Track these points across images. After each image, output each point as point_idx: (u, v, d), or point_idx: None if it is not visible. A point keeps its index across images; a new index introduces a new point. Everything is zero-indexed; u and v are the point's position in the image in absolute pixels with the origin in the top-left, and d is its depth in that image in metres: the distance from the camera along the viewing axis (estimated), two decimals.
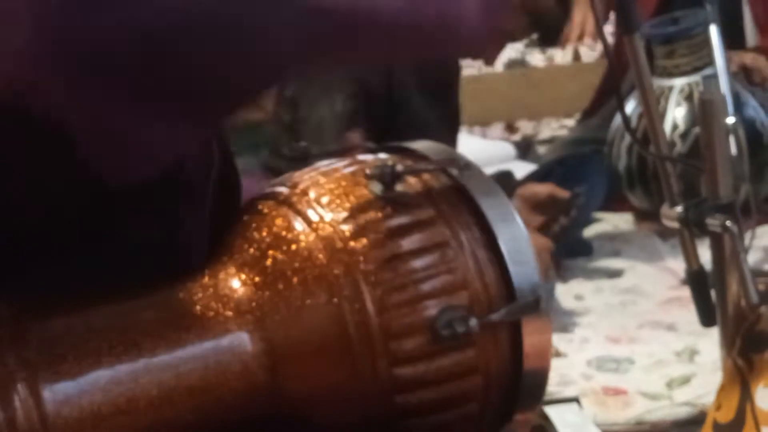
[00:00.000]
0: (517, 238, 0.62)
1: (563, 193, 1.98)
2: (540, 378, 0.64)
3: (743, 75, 2.21)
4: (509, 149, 2.92)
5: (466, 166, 0.65)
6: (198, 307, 0.61)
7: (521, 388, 0.63)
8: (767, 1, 2.35)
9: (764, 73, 2.21)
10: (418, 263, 0.60)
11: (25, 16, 0.51)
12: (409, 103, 1.77)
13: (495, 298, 0.61)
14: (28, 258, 0.60)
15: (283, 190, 0.66)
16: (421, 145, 0.69)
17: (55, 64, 0.52)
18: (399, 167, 0.63)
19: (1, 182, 0.58)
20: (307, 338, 0.60)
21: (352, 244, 0.61)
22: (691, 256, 1.29)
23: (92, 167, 0.55)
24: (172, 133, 0.56)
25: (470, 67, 3.09)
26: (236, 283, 0.62)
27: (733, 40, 2.20)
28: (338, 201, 0.63)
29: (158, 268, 0.62)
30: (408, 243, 0.61)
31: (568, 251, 2.09)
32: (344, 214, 0.62)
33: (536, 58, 3.34)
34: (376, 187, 0.63)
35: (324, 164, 0.68)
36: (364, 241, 0.61)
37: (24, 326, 0.57)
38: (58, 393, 0.55)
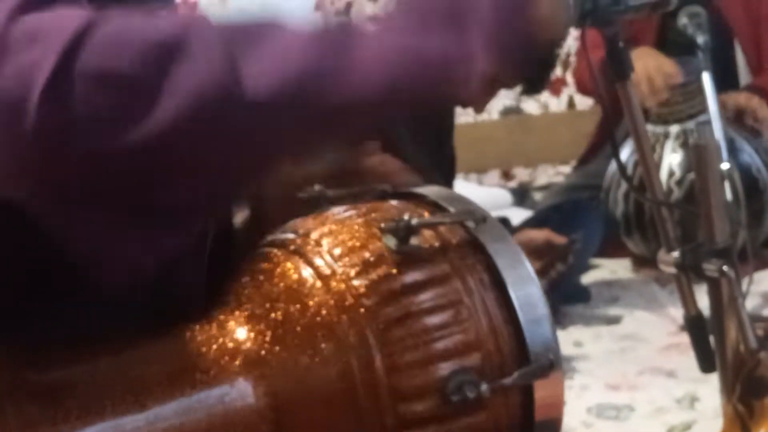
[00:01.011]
0: (531, 297, 0.61)
1: (560, 239, 1.99)
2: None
3: (735, 117, 2.23)
4: (505, 196, 2.93)
5: (483, 219, 0.63)
6: (204, 360, 0.60)
7: None
8: (758, 42, 2.37)
9: (757, 114, 2.23)
10: (430, 322, 0.59)
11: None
12: (404, 150, 1.78)
13: (508, 358, 0.60)
14: (27, 305, 0.60)
15: (295, 237, 0.64)
16: (436, 193, 0.67)
17: (40, 177, 0.53)
18: (414, 221, 0.61)
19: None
20: (314, 395, 0.59)
21: (363, 301, 0.59)
22: (688, 301, 1.29)
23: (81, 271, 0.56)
24: (158, 240, 0.57)
25: (466, 115, 3.11)
26: (244, 335, 0.61)
27: (726, 81, 2.22)
28: (351, 254, 0.61)
29: (157, 316, 0.62)
30: (421, 300, 0.60)
31: (566, 298, 2.09)
32: (357, 269, 0.61)
33: (531, 106, 3.37)
34: (391, 241, 0.61)
35: (338, 211, 0.67)
36: (376, 298, 0.59)
37: (24, 377, 0.57)
38: None
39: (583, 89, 2.58)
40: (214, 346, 0.61)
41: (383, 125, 0.66)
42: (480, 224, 0.64)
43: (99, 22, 0.53)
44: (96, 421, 0.56)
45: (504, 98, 3.36)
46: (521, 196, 2.99)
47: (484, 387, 0.58)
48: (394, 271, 0.61)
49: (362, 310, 0.59)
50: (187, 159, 0.55)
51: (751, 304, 1.86)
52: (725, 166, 1.24)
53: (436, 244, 0.63)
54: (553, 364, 0.60)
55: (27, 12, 0.53)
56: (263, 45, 0.55)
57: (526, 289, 0.62)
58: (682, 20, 1.94)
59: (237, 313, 0.62)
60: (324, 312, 0.60)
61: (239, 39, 0.55)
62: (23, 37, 0.52)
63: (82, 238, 0.55)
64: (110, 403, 0.57)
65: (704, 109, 1.98)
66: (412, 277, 0.61)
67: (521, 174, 3.42)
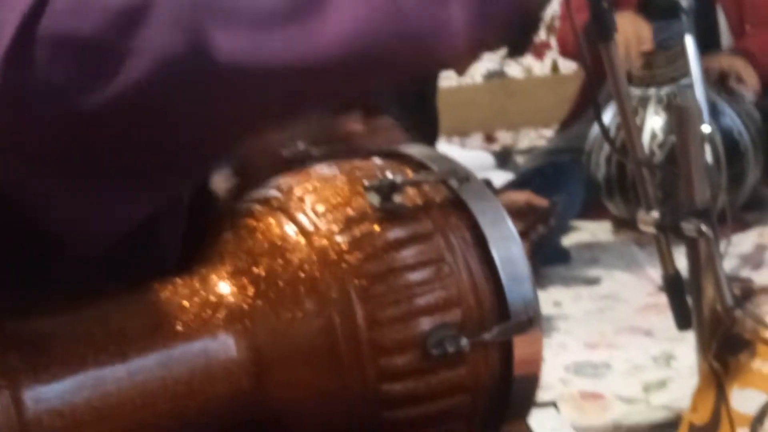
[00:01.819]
0: (513, 255, 0.62)
1: (541, 201, 2.00)
2: (529, 390, 0.63)
3: (719, 80, 2.23)
4: (488, 159, 2.94)
5: (466, 177, 0.64)
6: (186, 313, 0.60)
7: (510, 402, 0.62)
8: (740, 5, 2.38)
9: (741, 76, 2.24)
10: (412, 278, 0.60)
11: None
12: (387, 112, 1.77)
13: (488, 315, 0.60)
14: (6, 259, 0.60)
15: (278, 194, 0.64)
16: (420, 151, 0.67)
17: (8, 144, 0.53)
18: (398, 179, 0.61)
19: None
20: (296, 349, 0.60)
21: (346, 257, 0.60)
22: (667, 260, 1.31)
23: (53, 234, 0.56)
24: (134, 200, 0.57)
25: (449, 79, 3.11)
26: (227, 290, 0.61)
27: (708, 44, 2.22)
28: (334, 211, 0.62)
29: (135, 273, 0.62)
30: (403, 257, 0.60)
31: (546, 259, 2.11)
32: (340, 226, 0.61)
33: (515, 69, 3.36)
34: (374, 199, 0.61)
35: (321, 168, 0.67)
36: (359, 254, 0.60)
37: (6, 330, 0.57)
38: (40, 400, 0.55)
39: (565, 52, 2.58)
40: (197, 300, 0.61)
41: (367, 90, 0.65)
42: (463, 183, 0.64)
43: None
44: (77, 370, 0.56)
45: (487, 62, 3.35)
46: (504, 159, 2.99)
47: (464, 342, 0.59)
48: (377, 228, 0.61)
49: (345, 266, 0.60)
50: (155, 121, 0.54)
51: (729, 265, 1.88)
52: (706, 128, 1.25)
53: (419, 201, 0.63)
54: (532, 321, 0.61)
55: None
56: (232, 7, 0.54)
57: (507, 248, 0.62)
58: None
59: (219, 267, 0.63)
60: (307, 267, 0.60)
61: (207, 1, 0.54)
62: None
63: (53, 201, 0.55)
64: (92, 353, 0.57)
65: (687, 72, 1.99)
66: (395, 234, 0.61)
67: (504, 137, 3.43)
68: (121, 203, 0.56)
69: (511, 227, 0.63)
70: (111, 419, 0.56)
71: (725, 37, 2.40)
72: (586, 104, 2.41)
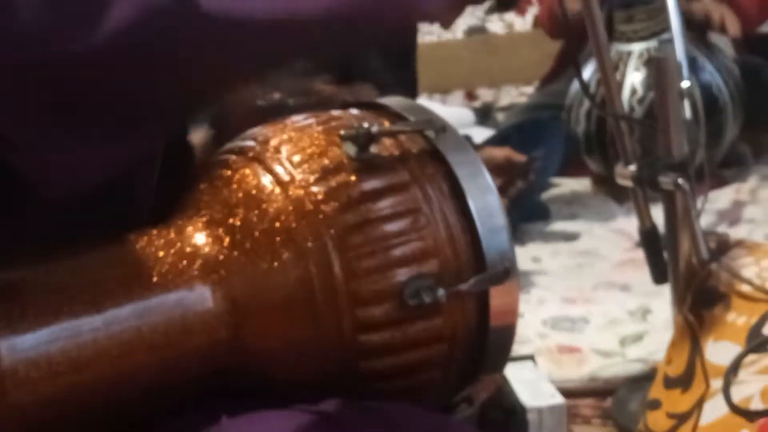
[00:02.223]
0: (489, 207, 0.62)
1: (520, 157, 2.00)
2: (505, 340, 0.64)
3: (702, 25, 2.21)
4: (468, 115, 2.93)
5: (443, 128, 0.63)
6: (162, 264, 0.60)
7: (486, 353, 0.63)
8: None
9: (723, 21, 2.21)
10: (389, 229, 0.60)
11: None
12: (367, 66, 1.76)
13: (465, 265, 0.60)
14: None
15: (254, 145, 0.64)
16: (397, 103, 0.67)
17: None
18: (374, 129, 0.61)
19: None
20: (272, 300, 0.60)
21: (322, 207, 0.60)
22: (644, 214, 1.31)
23: (28, 177, 0.55)
24: (115, 149, 0.57)
25: (430, 34, 3.08)
26: (202, 240, 0.61)
27: None
28: (310, 161, 0.61)
29: (109, 220, 0.62)
30: (380, 208, 0.60)
31: (525, 215, 2.11)
32: (316, 176, 0.61)
33: (496, 25, 3.34)
34: (351, 149, 0.61)
35: (298, 119, 0.66)
36: (335, 204, 0.60)
37: None
38: (15, 350, 0.55)
39: (542, 25, 2.58)
40: (172, 251, 0.61)
41: (351, 45, 0.65)
42: (440, 134, 0.63)
43: None
44: (52, 321, 0.56)
45: (469, 17, 3.33)
46: (484, 115, 2.99)
47: (440, 292, 0.59)
48: (353, 178, 0.61)
49: (321, 216, 0.59)
50: (140, 67, 0.54)
51: (706, 221, 1.90)
52: (685, 83, 1.25)
53: (396, 152, 0.62)
54: (508, 272, 0.61)
55: None
56: None
57: (484, 199, 0.62)
58: None
59: (195, 218, 0.62)
60: (283, 218, 0.60)
61: None
62: None
63: (31, 147, 0.55)
64: (67, 304, 0.57)
65: (668, 27, 1.98)
66: (371, 184, 0.61)
67: (485, 94, 3.42)
68: (101, 149, 0.56)
69: (488, 178, 0.63)
70: (87, 370, 0.56)
71: None
72: (567, 61, 2.40)
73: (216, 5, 0.54)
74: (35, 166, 0.55)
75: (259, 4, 0.55)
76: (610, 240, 2.02)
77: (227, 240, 0.61)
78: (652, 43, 2.19)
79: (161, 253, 0.60)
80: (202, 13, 0.53)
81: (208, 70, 0.57)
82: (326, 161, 0.61)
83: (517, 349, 1.51)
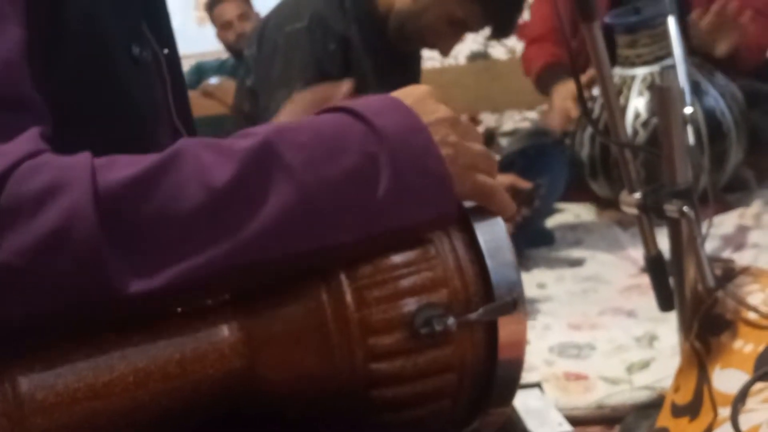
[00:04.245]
0: (497, 237, 0.62)
1: (525, 184, 2.00)
2: (514, 371, 0.64)
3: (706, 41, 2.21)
4: None
5: None
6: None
7: (495, 384, 0.63)
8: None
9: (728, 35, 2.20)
10: (399, 259, 0.60)
11: None
12: (369, 93, 1.77)
13: (473, 296, 0.61)
14: None
15: None
16: None
17: None
18: None
19: None
20: (286, 329, 0.60)
21: None
22: (649, 241, 1.31)
23: None
24: None
25: (433, 60, 3.10)
26: None
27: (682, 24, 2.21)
28: None
29: None
30: None
31: (530, 241, 2.11)
32: None
33: (498, 51, 3.36)
34: None
35: None
36: None
37: None
38: (33, 377, 0.55)
39: (527, 72, 2.61)
40: None
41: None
42: None
43: None
44: (70, 351, 0.56)
45: (471, 43, 3.35)
46: (487, 140, 2.99)
47: (450, 321, 0.59)
48: None
49: None
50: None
51: (710, 246, 1.89)
52: (689, 110, 1.25)
53: None
54: (516, 303, 0.61)
55: None
56: (148, 234, 0.53)
57: (492, 231, 0.62)
58: None
59: None
60: None
61: (124, 230, 0.53)
62: None
63: None
64: (85, 337, 0.57)
65: (671, 52, 1.99)
66: None
67: (488, 119, 3.43)
68: None
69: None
70: (104, 397, 0.56)
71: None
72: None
73: (137, 289, 0.53)
74: None
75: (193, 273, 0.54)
76: (615, 265, 2.02)
77: None
78: (655, 68, 2.19)
79: None
80: (122, 298, 0.53)
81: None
82: None
83: (523, 376, 1.50)
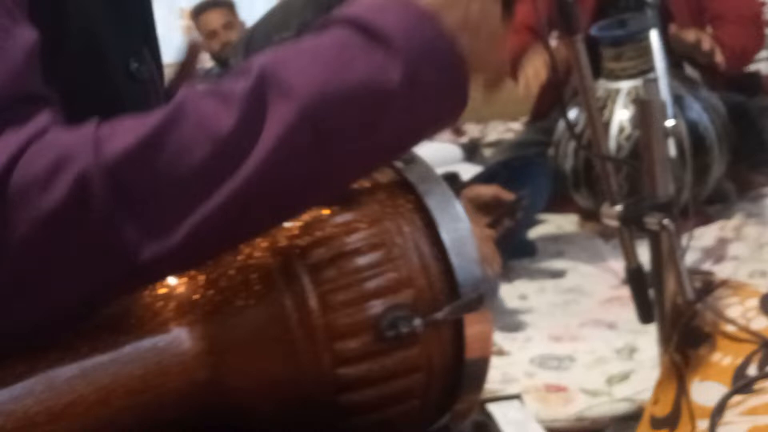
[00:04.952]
0: (460, 234, 0.61)
1: (508, 195, 2.00)
2: (480, 368, 0.63)
3: (692, 51, 2.22)
4: (456, 151, 2.94)
5: (411, 159, 0.64)
6: (135, 307, 0.59)
7: (462, 380, 0.62)
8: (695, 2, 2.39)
9: (713, 47, 2.21)
10: (362, 261, 0.59)
11: None
12: None
13: (439, 294, 0.60)
14: None
15: None
16: None
17: None
18: None
19: None
20: (250, 337, 0.59)
21: (296, 242, 0.59)
22: (630, 254, 1.32)
23: None
24: None
25: None
26: (176, 280, 0.60)
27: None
28: None
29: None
30: (353, 241, 0.60)
31: (512, 252, 2.11)
32: None
33: None
34: None
35: None
36: (308, 239, 0.59)
37: None
38: None
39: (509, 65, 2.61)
40: (146, 292, 0.60)
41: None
42: (409, 164, 0.64)
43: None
44: (27, 374, 0.55)
45: None
46: (471, 151, 3.00)
47: (417, 322, 0.59)
48: (326, 212, 0.61)
49: (295, 251, 0.59)
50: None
51: (691, 258, 1.90)
52: (670, 122, 1.25)
53: (367, 185, 0.63)
54: (482, 299, 0.61)
55: None
56: (158, 196, 0.53)
57: (456, 227, 0.62)
58: None
59: None
60: (257, 254, 0.60)
61: (133, 195, 0.52)
62: None
63: None
64: (41, 355, 0.55)
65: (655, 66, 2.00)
66: (343, 218, 0.61)
67: (472, 130, 3.44)
68: None
69: (456, 205, 0.63)
70: (65, 418, 0.55)
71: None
72: (553, 97, 2.41)
73: (150, 256, 0.53)
74: None
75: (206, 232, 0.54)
76: (597, 277, 2.03)
77: (202, 279, 0.60)
78: (640, 81, 2.20)
79: (136, 295, 0.60)
80: (137, 267, 0.53)
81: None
82: None
83: (504, 388, 1.51)
